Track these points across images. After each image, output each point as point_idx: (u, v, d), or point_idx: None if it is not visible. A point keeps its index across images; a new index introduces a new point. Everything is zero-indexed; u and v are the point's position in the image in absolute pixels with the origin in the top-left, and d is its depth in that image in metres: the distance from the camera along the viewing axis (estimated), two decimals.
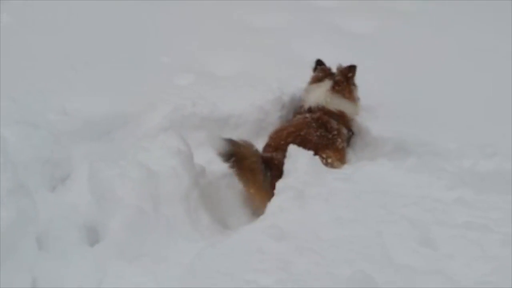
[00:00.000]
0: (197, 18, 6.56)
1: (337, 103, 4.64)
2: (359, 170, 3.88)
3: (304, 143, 4.17)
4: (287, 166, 3.88)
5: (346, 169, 4.06)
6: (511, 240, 3.11)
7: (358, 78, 5.14)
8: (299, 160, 3.85)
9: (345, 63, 5.02)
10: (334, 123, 4.50)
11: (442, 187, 3.61)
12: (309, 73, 5.09)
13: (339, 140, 4.46)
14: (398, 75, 5.37)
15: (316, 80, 4.82)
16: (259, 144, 4.61)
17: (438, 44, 6.07)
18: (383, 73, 5.41)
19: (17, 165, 3.67)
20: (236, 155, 3.98)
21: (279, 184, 3.75)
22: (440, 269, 2.95)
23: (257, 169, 4.03)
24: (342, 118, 4.59)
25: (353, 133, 4.69)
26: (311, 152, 3.94)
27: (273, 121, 4.75)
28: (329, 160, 4.25)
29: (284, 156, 3.97)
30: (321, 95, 4.64)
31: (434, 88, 5.14)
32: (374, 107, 4.84)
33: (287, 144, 4.09)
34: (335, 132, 4.45)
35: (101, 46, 5.71)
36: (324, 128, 4.43)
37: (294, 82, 5.10)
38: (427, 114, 4.73)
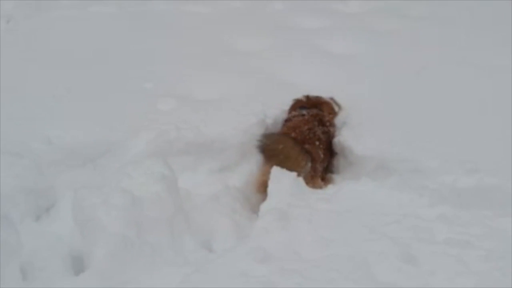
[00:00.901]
0: (178, 43, 6.62)
1: None
2: (342, 190, 3.93)
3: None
4: (271, 187, 3.92)
5: (329, 189, 4.11)
6: (493, 255, 3.15)
7: (342, 98, 5.23)
8: (282, 181, 3.89)
9: (328, 83, 5.13)
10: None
11: (424, 204, 3.67)
12: (291, 95, 5.18)
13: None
14: (379, 94, 5.42)
15: None
16: (245, 168, 4.67)
17: (419, 61, 6.13)
18: (364, 93, 5.47)
19: (1, 195, 3.69)
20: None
21: (263, 206, 3.79)
22: (423, 286, 2.99)
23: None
24: None
25: None
26: (294, 173, 3.99)
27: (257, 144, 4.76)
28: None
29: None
30: None
31: (415, 106, 5.18)
32: (357, 125, 4.88)
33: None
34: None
35: (83, 73, 5.74)
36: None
37: (277, 105, 5.14)
38: (408, 132, 4.76)
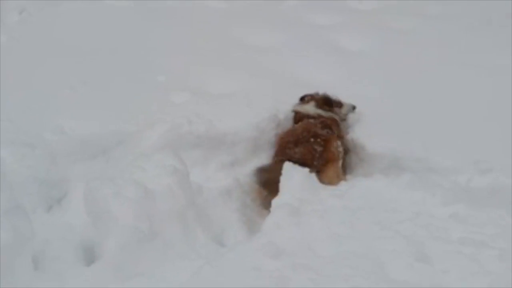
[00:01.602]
0: (192, 37, 6.60)
1: None
2: (354, 187, 3.91)
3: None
4: (283, 183, 3.90)
5: (341, 186, 4.09)
6: (507, 255, 3.13)
7: (354, 95, 5.21)
8: (294, 177, 3.88)
9: (341, 80, 5.10)
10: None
11: (437, 203, 3.65)
12: (303, 91, 5.16)
13: None
14: (394, 92, 5.39)
15: None
16: (256, 163, 4.65)
17: (432, 60, 6.10)
18: (378, 89, 5.44)
19: (14, 185, 3.70)
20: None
21: (275, 202, 3.78)
22: (436, 285, 2.98)
23: None
24: None
25: None
26: (306, 169, 3.98)
27: (269, 139, 4.76)
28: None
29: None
30: None
31: (429, 104, 5.16)
32: (369, 123, 4.86)
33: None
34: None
35: (97, 65, 5.75)
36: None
37: (290, 100, 5.12)
38: (422, 130, 4.75)
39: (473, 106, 5.12)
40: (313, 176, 4.01)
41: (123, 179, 3.73)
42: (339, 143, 4.60)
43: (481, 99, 5.26)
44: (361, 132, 4.80)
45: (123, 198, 3.58)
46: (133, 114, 4.82)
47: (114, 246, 3.43)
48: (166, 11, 7.45)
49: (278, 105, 5.05)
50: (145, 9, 7.44)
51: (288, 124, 4.93)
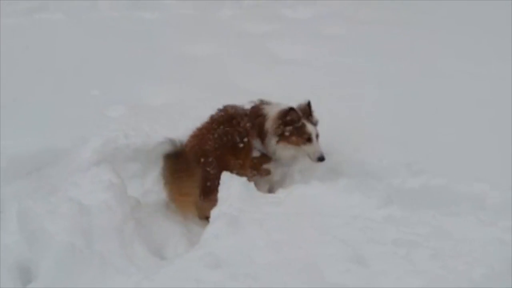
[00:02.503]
0: (128, 49, 6.56)
1: None
2: (292, 194, 3.94)
3: None
4: (221, 193, 3.90)
5: (279, 193, 4.11)
6: (439, 254, 3.21)
7: (290, 102, 5.25)
8: (232, 187, 3.88)
9: (277, 88, 5.14)
10: None
11: (373, 206, 3.71)
12: (241, 100, 5.18)
13: None
14: (328, 97, 5.47)
15: None
16: None
17: (364, 64, 6.25)
18: (312, 96, 5.48)
19: None
20: None
21: (213, 212, 3.77)
22: (372, 286, 3.02)
23: None
24: None
25: None
26: (244, 178, 3.99)
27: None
28: None
29: None
30: None
31: (360, 108, 5.27)
32: None
33: None
34: None
35: (28, 82, 5.64)
36: None
37: None
38: (357, 135, 4.83)
39: (403, 109, 5.25)
40: (252, 184, 4.02)
41: (57, 197, 3.67)
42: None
43: (415, 102, 5.41)
44: None
45: (58, 215, 3.52)
46: (67, 130, 4.73)
47: (50, 264, 3.34)
48: (99, 24, 7.40)
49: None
50: (77, 22, 7.35)
51: None
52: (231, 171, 4.17)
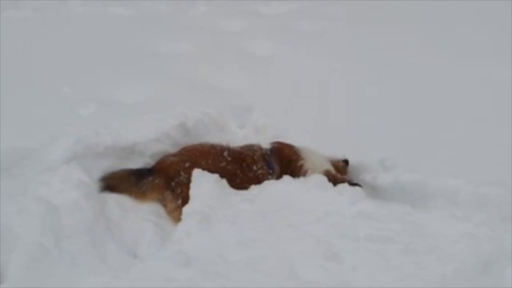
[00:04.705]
0: (99, 46, 6.47)
1: None
2: (265, 190, 3.94)
3: None
4: (192, 190, 3.87)
5: (251, 190, 4.09)
6: (411, 249, 3.23)
7: (264, 100, 5.25)
8: (204, 184, 3.85)
9: (251, 85, 5.14)
10: None
11: (345, 202, 3.72)
12: (214, 98, 5.16)
13: None
14: (303, 94, 5.48)
15: None
16: None
17: (341, 61, 6.26)
18: (287, 93, 5.52)
19: None
20: None
21: (185, 209, 3.74)
22: (345, 282, 3.03)
23: None
24: None
25: None
26: (216, 175, 3.96)
27: (179, 147, 4.69)
28: None
29: None
30: None
31: (334, 105, 5.28)
32: (278, 127, 4.91)
33: None
34: None
35: None
36: None
37: (199, 107, 5.09)
38: (330, 131, 4.84)
39: (376, 105, 5.28)
40: (224, 182, 3.99)
41: (26, 196, 3.61)
42: None
43: (389, 99, 5.43)
44: (271, 136, 4.82)
45: (26, 215, 3.47)
46: (37, 129, 4.62)
47: (19, 265, 3.30)
48: (69, 20, 7.28)
49: (187, 112, 4.99)
50: (46, 18, 7.23)
51: (198, 131, 4.89)
52: None
